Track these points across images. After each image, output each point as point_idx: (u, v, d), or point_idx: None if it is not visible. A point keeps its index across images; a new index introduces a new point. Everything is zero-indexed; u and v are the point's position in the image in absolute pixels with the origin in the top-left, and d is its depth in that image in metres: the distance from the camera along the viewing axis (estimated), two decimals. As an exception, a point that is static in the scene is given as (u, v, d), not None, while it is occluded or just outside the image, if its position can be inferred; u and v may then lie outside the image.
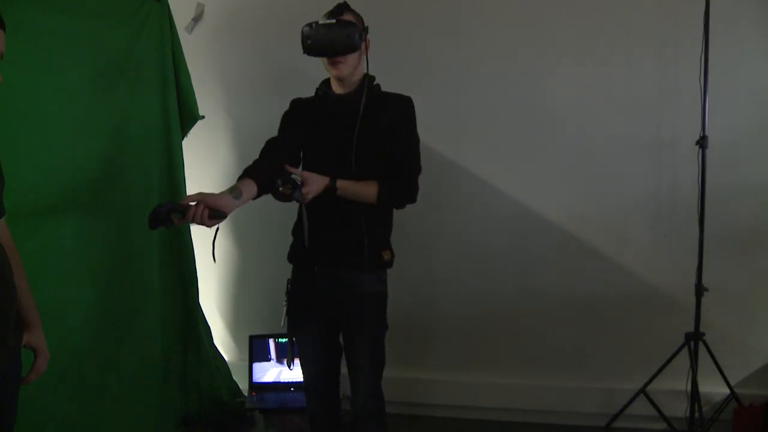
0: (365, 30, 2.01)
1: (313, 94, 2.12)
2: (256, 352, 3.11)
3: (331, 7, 1.99)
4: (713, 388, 2.79)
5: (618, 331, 2.97)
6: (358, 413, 2.14)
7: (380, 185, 2.00)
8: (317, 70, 2.05)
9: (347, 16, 1.96)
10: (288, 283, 2.14)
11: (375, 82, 2.06)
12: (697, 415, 2.64)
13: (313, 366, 2.17)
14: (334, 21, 1.91)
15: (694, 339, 2.65)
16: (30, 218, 2.06)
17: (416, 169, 2.06)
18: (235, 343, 3.36)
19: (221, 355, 3.14)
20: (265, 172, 1.85)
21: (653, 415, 2.76)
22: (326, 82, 2.09)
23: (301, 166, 2.09)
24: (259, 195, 1.84)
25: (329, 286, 2.06)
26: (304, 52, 1.96)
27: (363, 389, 2.11)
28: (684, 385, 2.70)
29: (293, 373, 3.04)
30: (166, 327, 2.75)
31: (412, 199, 2.06)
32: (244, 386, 3.13)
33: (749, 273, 2.84)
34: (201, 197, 1.63)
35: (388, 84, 2.08)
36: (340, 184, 1.96)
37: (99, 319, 2.36)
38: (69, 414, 2.22)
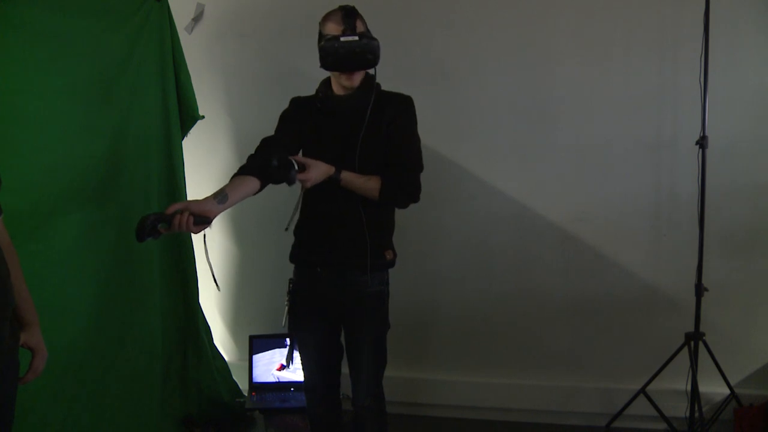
0: None
1: (313, 93, 2.11)
2: (257, 350, 3.12)
3: (332, 7, 1.96)
4: (713, 388, 2.79)
5: (618, 331, 2.97)
6: (359, 413, 2.15)
7: (383, 181, 2.00)
8: (317, 70, 2.04)
9: (359, 25, 1.93)
10: (290, 283, 2.14)
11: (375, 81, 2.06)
12: (697, 415, 2.64)
13: (314, 366, 2.17)
14: (357, 38, 1.87)
15: (694, 339, 2.65)
16: (31, 218, 2.06)
17: (418, 167, 2.06)
18: (235, 343, 3.36)
19: (221, 355, 3.14)
20: (261, 166, 1.84)
21: (653, 415, 2.76)
22: (326, 83, 2.08)
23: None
24: (261, 188, 1.85)
25: (332, 287, 2.06)
26: (321, 66, 1.93)
27: (364, 389, 2.11)
28: (684, 385, 2.70)
29: (293, 374, 3.04)
30: (166, 327, 2.75)
31: (415, 197, 2.06)
32: (244, 386, 3.13)
33: (749, 273, 2.84)
34: (185, 205, 1.63)
35: (387, 84, 2.08)
36: (345, 175, 1.96)
37: (99, 319, 2.36)
38: (69, 414, 2.21)
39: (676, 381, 2.74)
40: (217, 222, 3.39)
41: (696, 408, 2.64)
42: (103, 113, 2.39)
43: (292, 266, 2.17)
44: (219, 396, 2.96)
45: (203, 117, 2.91)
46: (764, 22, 2.73)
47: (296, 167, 1.86)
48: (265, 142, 2.01)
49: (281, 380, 3.09)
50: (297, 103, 2.14)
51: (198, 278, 2.93)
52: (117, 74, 2.45)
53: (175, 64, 2.76)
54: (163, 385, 2.76)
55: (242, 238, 3.27)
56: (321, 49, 1.89)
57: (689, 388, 2.65)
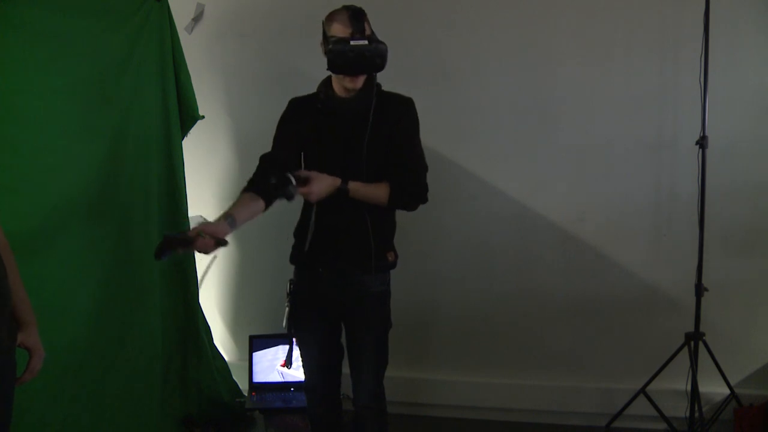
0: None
1: (312, 93, 2.09)
2: (257, 350, 3.11)
3: (334, 7, 1.94)
4: (713, 388, 2.79)
5: (618, 331, 2.97)
6: (359, 413, 2.15)
7: (392, 187, 1.99)
8: (317, 70, 2.04)
9: (367, 27, 1.90)
10: (290, 284, 2.14)
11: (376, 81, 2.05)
12: (697, 415, 2.64)
13: (315, 366, 2.17)
14: (366, 42, 1.84)
15: (694, 339, 2.65)
16: (31, 218, 2.06)
17: (424, 168, 2.06)
18: (235, 343, 3.36)
19: (221, 355, 3.14)
20: (261, 185, 1.85)
21: (653, 415, 2.76)
22: (326, 83, 2.04)
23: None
24: (267, 206, 1.85)
25: (333, 287, 2.05)
26: (329, 69, 1.90)
27: (365, 388, 2.11)
28: (684, 385, 2.70)
29: (293, 373, 3.04)
30: (166, 327, 2.75)
31: (424, 198, 2.06)
32: (244, 386, 3.12)
33: (749, 273, 2.84)
34: (203, 228, 1.66)
35: (389, 84, 2.08)
36: (352, 186, 1.94)
37: (99, 319, 2.36)
38: (69, 414, 2.21)
39: (676, 381, 2.74)
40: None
41: (696, 408, 2.64)
42: (103, 113, 2.39)
43: (292, 267, 2.16)
44: (219, 396, 2.96)
45: (203, 117, 2.91)
46: (764, 22, 2.74)
47: (294, 182, 1.83)
48: (264, 159, 1.98)
49: (285, 376, 3.08)
50: (295, 104, 2.11)
51: (198, 278, 2.93)
52: (117, 74, 2.45)
53: (175, 64, 2.76)
54: (163, 385, 2.76)
55: (242, 239, 3.27)
56: (329, 52, 1.86)
57: (689, 388, 2.65)
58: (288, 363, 2.18)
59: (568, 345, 3.02)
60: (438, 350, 3.17)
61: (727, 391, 2.73)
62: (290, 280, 2.14)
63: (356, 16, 1.88)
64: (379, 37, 1.91)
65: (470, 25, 2.97)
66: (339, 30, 1.88)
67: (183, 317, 2.89)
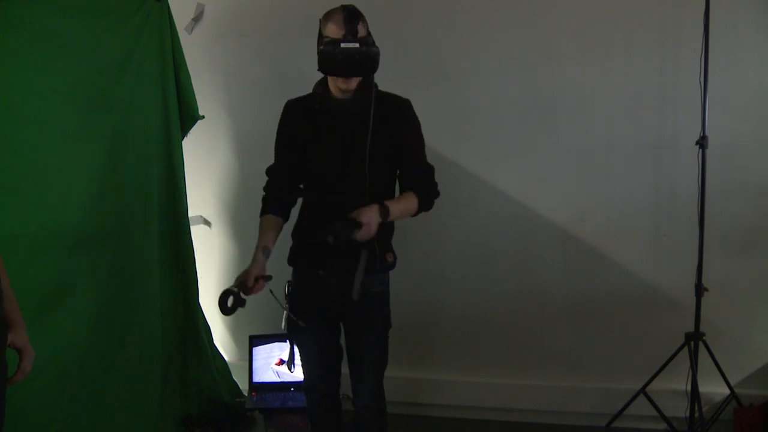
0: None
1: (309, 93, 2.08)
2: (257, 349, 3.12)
3: (332, 6, 1.93)
4: (713, 388, 2.79)
5: (618, 331, 2.96)
6: (359, 413, 2.15)
7: (419, 197, 2.05)
8: (317, 70, 2.04)
9: (361, 29, 1.88)
10: (288, 285, 2.13)
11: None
12: (697, 415, 2.64)
13: (315, 366, 2.17)
14: (357, 45, 1.83)
15: (694, 339, 2.65)
16: (30, 218, 2.06)
17: (432, 168, 2.12)
18: (235, 343, 3.36)
19: (221, 355, 3.14)
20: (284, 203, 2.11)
21: (653, 415, 2.76)
22: (322, 83, 2.03)
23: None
24: (286, 219, 2.06)
25: (333, 288, 2.05)
26: (319, 70, 1.90)
27: (365, 388, 2.11)
28: (684, 385, 2.70)
29: (293, 373, 3.03)
30: (166, 327, 2.75)
31: (438, 195, 2.13)
32: (244, 386, 3.13)
33: (749, 273, 2.84)
34: (251, 271, 1.94)
35: (389, 84, 2.08)
36: (392, 211, 1.96)
37: (99, 319, 2.36)
38: (70, 414, 2.21)
39: (676, 381, 2.73)
40: (216, 223, 3.40)
41: (696, 408, 2.64)
42: (103, 113, 2.39)
43: (290, 268, 2.16)
44: (219, 396, 2.96)
45: (203, 117, 2.91)
46: (764, 22, 2.73)
47: (353, 231, 1.86)
48: (272, 173, 2.13)
49: (279, 375, 3.08)
50: (291, 106, 2.10)
51: (198, 278, 2.93)
52: (117, 74, 2.45)
53: (175, 64, 2.76)
54: (163, 385, 2.76)
55: (242, 239, 3.27)
56: (320, 53, 1.86)
57: (689, 388, 2.65)
58: (290, 366, 2.17)
59: (568, 345, 3.02)
60: (438, 350, 3.16)
61: (727, 391, 2.73)
62: (288, 282, 2.14)
63: (350, 17, 1.87)
64: (379, 37, 1.91)
65: (470, 25, 2.97)
66: (332, 30, 1.87)
67: (183, 317, 2.89)
